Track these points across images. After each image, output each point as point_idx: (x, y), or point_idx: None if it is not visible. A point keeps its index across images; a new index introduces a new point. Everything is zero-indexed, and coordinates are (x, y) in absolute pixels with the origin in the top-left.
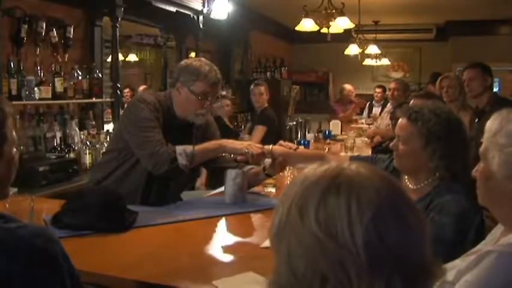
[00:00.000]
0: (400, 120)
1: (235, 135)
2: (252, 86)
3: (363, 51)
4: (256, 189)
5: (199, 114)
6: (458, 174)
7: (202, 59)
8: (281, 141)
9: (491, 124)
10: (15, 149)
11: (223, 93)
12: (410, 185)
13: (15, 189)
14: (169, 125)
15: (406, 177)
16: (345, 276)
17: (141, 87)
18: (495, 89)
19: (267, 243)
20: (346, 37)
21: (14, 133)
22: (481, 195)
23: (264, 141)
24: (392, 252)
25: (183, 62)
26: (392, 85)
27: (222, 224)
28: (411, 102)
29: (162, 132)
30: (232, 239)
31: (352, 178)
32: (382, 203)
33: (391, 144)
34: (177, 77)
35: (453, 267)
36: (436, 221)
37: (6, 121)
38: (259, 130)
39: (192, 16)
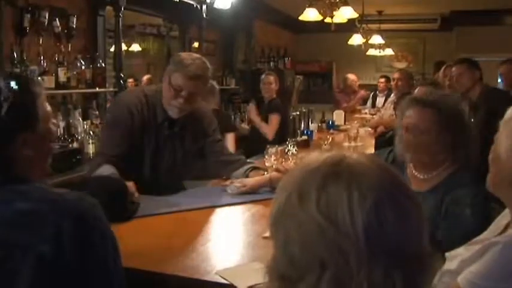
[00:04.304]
0: (413, 109)
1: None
2: (262, 76)
3: (366, 41)
4: None
5: (173, 106)
6: (465, 163)
7: (196, 54)
8: (278, 166)
9: (509, 111)
10: (52, 123)
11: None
12: (419, 175)
13: None
14: (158, 120)
15: (413, 167)
16: (344, 262)
17: (145, 77)
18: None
19: (269, 233)
20: (349, 27)
21: (49, 107)
22: (489, 179)
23: (283, 130)
24: (391, 240)
25: (176, 54)
26: (396, 75)
27: (224, 213)
28: (416, 90)
29: (133, 134)
30: (234, 229)
31: (353, 166)
32: (382, 191)
33: (407, 136)
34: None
35: (456, 256)
36: (456, 214)
37: (36, 101)
38: (275, 119)
39: (195, 5)
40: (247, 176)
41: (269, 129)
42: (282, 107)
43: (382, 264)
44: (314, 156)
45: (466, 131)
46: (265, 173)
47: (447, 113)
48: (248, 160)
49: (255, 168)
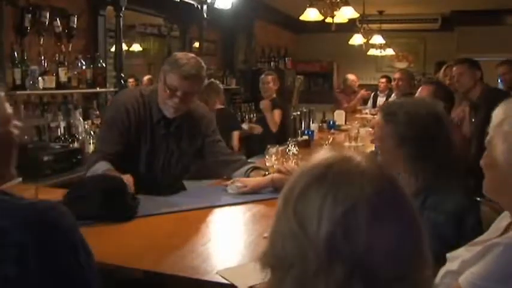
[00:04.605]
0: (378, 115)
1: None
2: (262, 76)
3: (367, 41)
4: None
5: (168, 106)
6: (436, 172)
7: (190, 54)
8: (280, 167)
9: (497, 113)
10: (13, 126)
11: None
12: (403, 179)
13: (20, 179)
14: (154, 119)
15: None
16: (306, 267)
17: (145, 78)
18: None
19: None
20: (350, 27)
21: (9, 109)
22: (486, 185)
23: (284, 124)
24: (357, 253)
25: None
26: (397, 75)
27: (225, 213)
28: (419, 89)
29: (130, 132)
30: (235, 229)
31: (344, 170)
32: (360, 200)
33: (370, 140)
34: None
35: (457, 257)
36: (431, 219)
37: None
38: (278, 113)
39: (196, 5)
40: (248, 176)
41: (273, 125)
42: (282, 104)
43: (343, 275)
44: (319, 155)
45: (431, 142)
46: (266, 173)
47: (402, 129)
48: (249, 160)
49: (255, 168)
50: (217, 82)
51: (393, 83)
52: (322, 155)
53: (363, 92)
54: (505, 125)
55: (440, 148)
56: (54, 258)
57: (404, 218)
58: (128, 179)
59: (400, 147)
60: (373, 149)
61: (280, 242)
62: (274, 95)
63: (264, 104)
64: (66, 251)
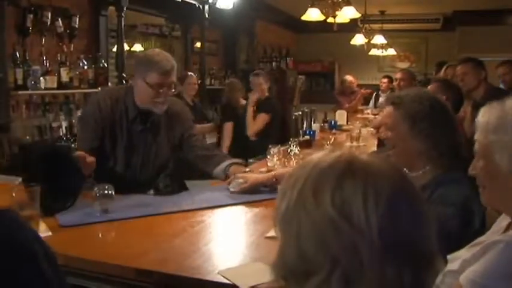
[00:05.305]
0: (385, 108)
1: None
2: (250, 77)
3: (369, 41)
4: None
5: (157, 103)
6: (446, 155)
7: (157, 49)
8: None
9: (486, 119)
10: None
11: (190, 73)
12: (410, 173)
13: (20, 179)
14: (129, 116)
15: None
16: (357, 260)
17: None
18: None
19: (271, 232)
20: (352, 27)
21: None
22: (487, 196)
23: (269, 131)
24: (404, 239)
25: (138, 54)
26: (398, 75)
27: (227, 213)
28: (428, 87)
29: (105, 129)
30: (237, 229)
31: (367, 165)
32: (395, 191)
33: (381, 136)
34: (135, 68)
35: (458, 257)
36: (438, 212)
37: None
38: (262, 118)
39: (197, 5)
40: (227, 172)
41: (251, 126)
42: (275, 106)
43: (394, 262)
44: (323, 155)
45: (441, 120)
46: (247, 170)
47: (414, 106)
48: (250, 160)
49: (234, 163)
50: (237, 80)
51: (395, 83)
52: (327, 154)
53: (362, 91)
54: (503, 133)
55: (449, 127)
56: (16, 274)
57: (423, 201)
58: (80, 154)
59: (413, 127)
60: (375, 149)
61: (313, 240)
62: (267, 94)
63: (251, 100)
64: (26, 265)
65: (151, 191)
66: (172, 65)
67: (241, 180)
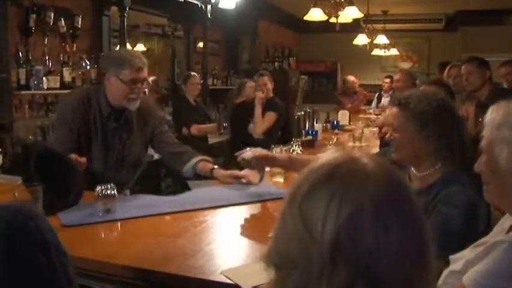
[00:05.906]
0: (391, 109)
1: (201, 114)
2: (255, 77)
3: (371, 41)
4: (265, 179)
5: (131, 99)
6: (458, 155)
7: (122, 48)
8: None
9: (493, 117)
10: None
11: (193, 73)
12: (416, 173)
13: (20, 179)
14: (103, 114)
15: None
16: (310, 268)
17: (150, 78)
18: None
19: None
20: (354, 27)
21: None
22: (489, 192)
23: (273, 130)
24: (361, 257)
25: (108, 53)
26: (396, 76)
27: (229, 213)
28: (420, 89)
29: (80, 129)
30: (240, 228)
31: (351, 171)
32: (368, 204)
33: (386, 137)
34: (105, 67)
35: (461, 258)
36: (443, 213)
37: None
38: (270, 116)
39: (200, 5)
40: (195, 169)
41: (259, 125)
42: (280, 105)
43: (345, 276)
44: (327, 154)
45: (449, 119)
46: (216, 167)
47: (422, 106)
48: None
49: (203, 160)
50: (246, 80)
51: (393, 84)
52: (329, 154)
53: (365, 93)
54: (506, 130)
55: (458, 126)
56: (26, 262)
57: (410, 222)
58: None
59: (422, 128)
60: (378, 150)
61: (284, 241)
62: (272, 94)
63: (258, 99)
64: (36, 253)
65: (128, 191)
66: (144, 62)
67: (251, 152)
